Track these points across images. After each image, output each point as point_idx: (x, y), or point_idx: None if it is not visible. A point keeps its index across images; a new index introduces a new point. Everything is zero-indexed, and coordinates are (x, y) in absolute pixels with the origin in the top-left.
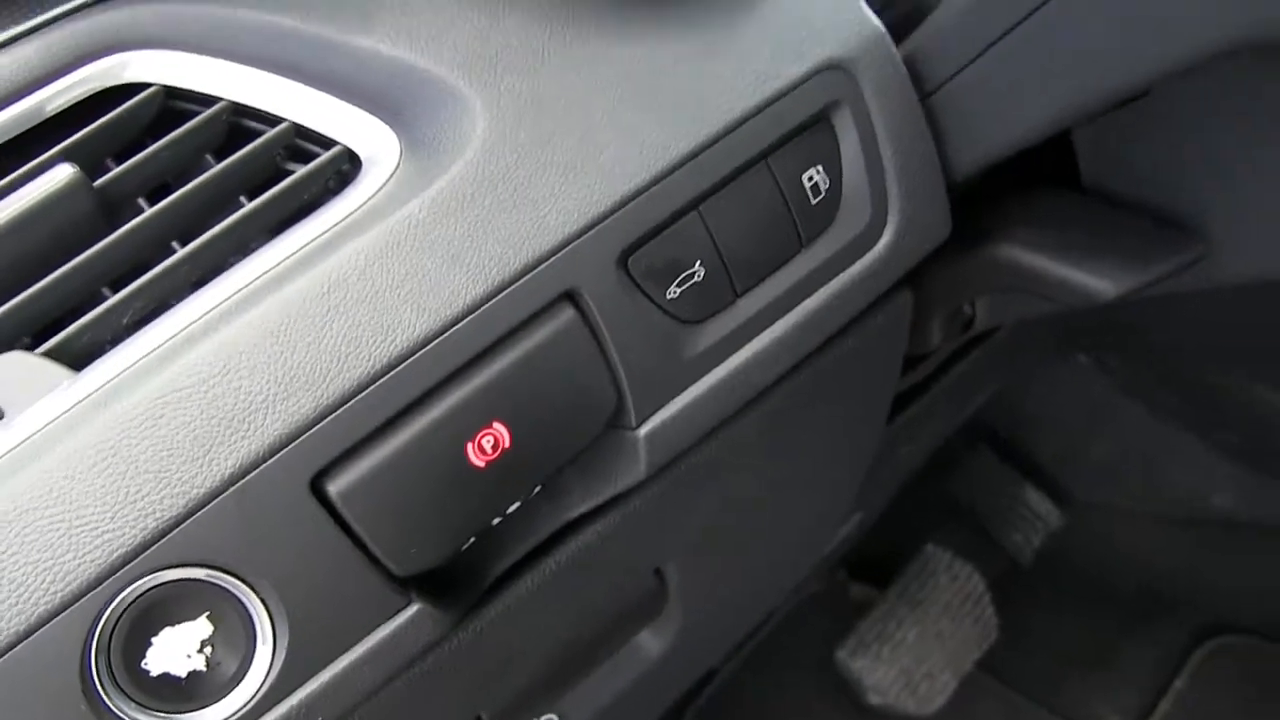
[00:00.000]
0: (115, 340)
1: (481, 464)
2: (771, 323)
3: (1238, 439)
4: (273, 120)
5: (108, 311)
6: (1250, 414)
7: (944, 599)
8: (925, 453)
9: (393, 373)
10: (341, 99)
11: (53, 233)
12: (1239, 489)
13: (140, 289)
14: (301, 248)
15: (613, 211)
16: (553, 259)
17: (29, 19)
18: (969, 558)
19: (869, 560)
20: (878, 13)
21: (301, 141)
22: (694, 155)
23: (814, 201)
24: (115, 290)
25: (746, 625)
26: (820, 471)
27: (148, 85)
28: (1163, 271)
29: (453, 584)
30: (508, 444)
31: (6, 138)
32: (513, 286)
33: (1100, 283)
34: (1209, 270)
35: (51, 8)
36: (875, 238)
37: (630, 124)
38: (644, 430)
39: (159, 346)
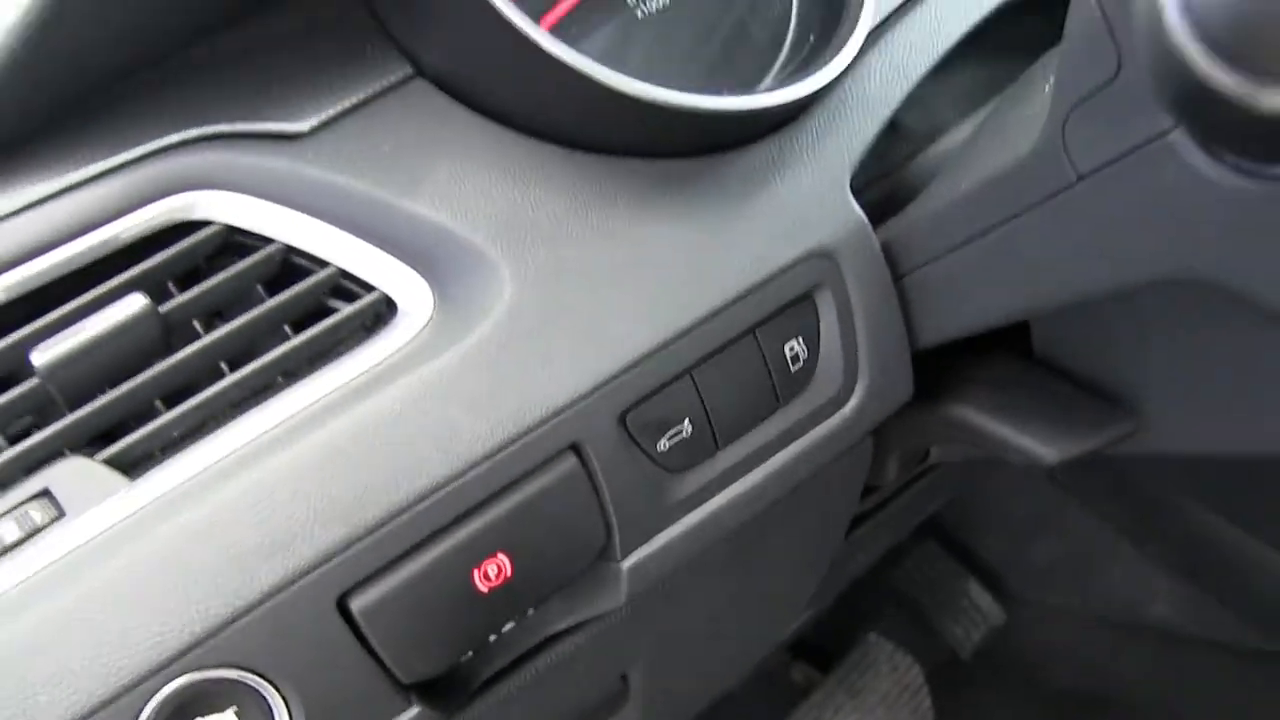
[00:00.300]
0: (165, 451)
1: (485, 589)
2: (747, 472)
3: (1174, 553)
4: (321, 263)
5: (161, 425)
6: (1186, 530)
7: (883, 689)
8: (878, 555)
9: (416, 508)
10: (385, 251)
11: (120, 352)
12: (1176, 601)
13: (193, 408)
14: (341, 385)
15: (617, 375)
16: (562, 415)
17: (117, 155)
18: (910, 649)
19: (811, 643)
20: (860, 191)
21: (345, 282)
22: (692, 328)
23: (793, 369)
24: (168, 405)
25: (699, 709)
26: (779, 584)
27: (212, 223)
28: (1099, 443)
29: (447, 688)
30: (509, 573)
31: (88, 261)
32: (526, 438)
33: (1043, 449)
34: (1142, 442)
35: (137, 145)
36: (845, 399)
37: (638, 296)
38: (627, 564)
39: (210, 465)
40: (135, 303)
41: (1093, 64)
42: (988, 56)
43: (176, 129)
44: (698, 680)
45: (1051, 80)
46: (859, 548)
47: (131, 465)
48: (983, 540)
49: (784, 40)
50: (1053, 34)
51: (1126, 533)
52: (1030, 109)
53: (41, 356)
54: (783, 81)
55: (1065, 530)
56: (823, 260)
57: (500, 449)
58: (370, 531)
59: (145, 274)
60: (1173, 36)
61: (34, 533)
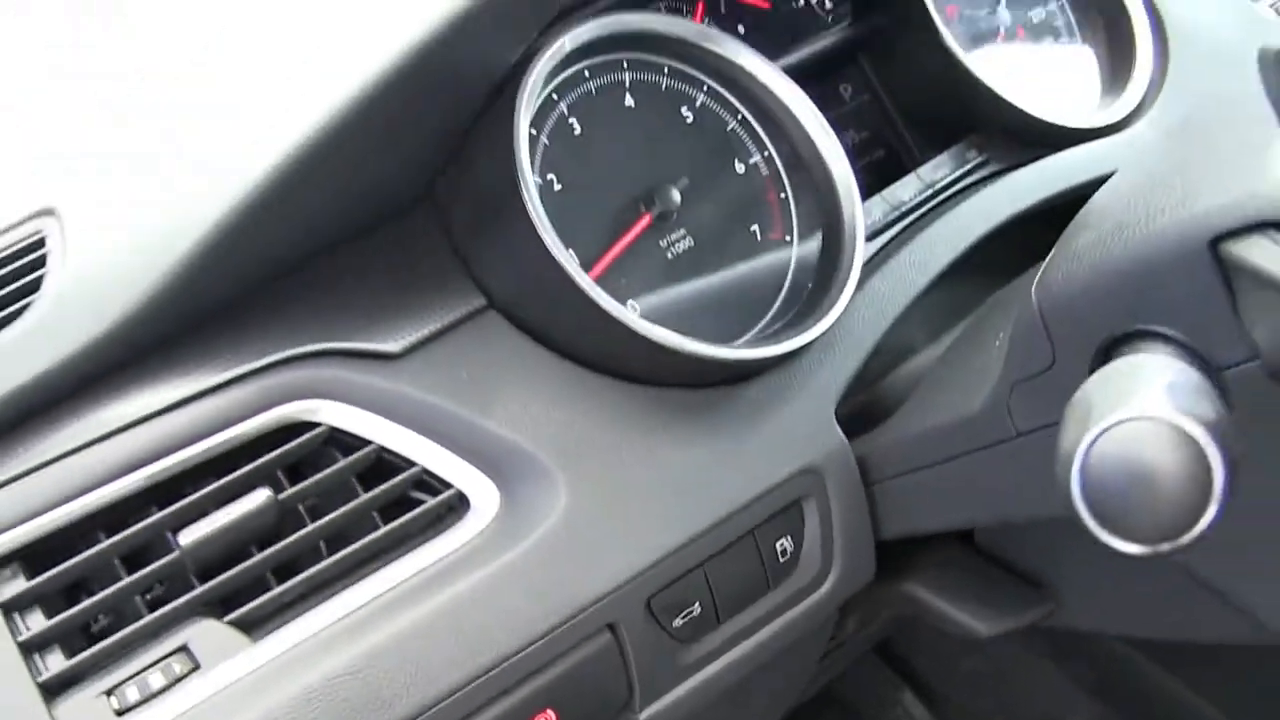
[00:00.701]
0: (279, 617)
1: None
2: (742, 641)
3: (1092, 674)
4: (408, 462)
5: (275, 595)
6: (1103, 650)
7: None
8: (834, 674)
9: (486, 675)
10: (461, 456)
11: (244, 532)
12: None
13: (300, 582)
14: (425, 569)
15: (648, 569)
16: (603, 601)
17: (247, 364)
18: None
19: None
20: (839, 407)
21: (427, 478)
22: (706, 532)
23: (781, 560)
24: (278, 578)
25: None
26: (759, 712)
27: (320, 425)
28: (1023, 622)
29: None
30: None
31: (219, 454)
32: (574, 620)
33: (978, 624)
34: (1060, 619)
35: (263, 356)
36: (821, 582)
37: (665, 505)
38: (644, 715)
39: (319, 631)
40: (261, 495)
41: (1033, 356)
42: (953, 284)
43: (294, 344)
44: None
45: (1003, 336)
46: (820, 672)
47: (252, 627)
48: (918, 655)
49: (783, 285)
50: (1004, 264)
51: (1048, 651)
52: (982, 360)
53: (188, 537)
54: (785, 324)
55: (989, 646)
56: (809, 476)
57: (553, 630)
58: (452, 693)
59: (265, 467)
60: (1072, 499)
61: (176, 682)
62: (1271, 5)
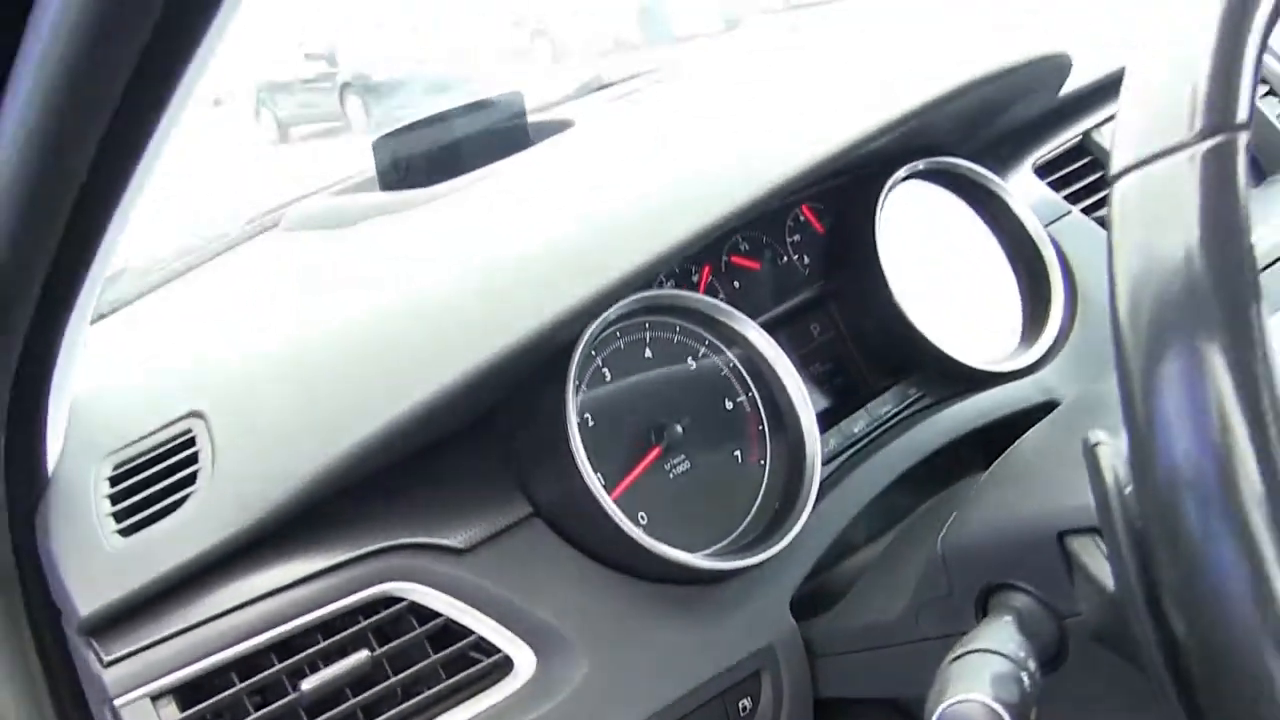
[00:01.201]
0: None
1: None
2: None
3: None
4: (469, 631)
5: None
6: None
7: None
8: None
9: None
10: (508, 629)
11: (347, 681)
12: None
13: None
14: (476, 715)
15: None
16: None
17: (347, 553)
18: None
19: None
20: (796, 590)
21: (483, 642)
22: (691, 693)
23: (742, 714)
24: (367, 717)
25: None
26: None
27: (403, 600)
28: None
29: None
30: None
31: (329, 619)
32: None
33: None
34: None
35: (360, 546)
36: None
37: (660, 673)
38: None
39: None
40: (363, 654)
41: (936, 585)
42: (893, 496)
43: (387, 538)
44: None
45: (917, 562)
46: None
47: None
48: None
49: (755, 501)
50: (936, 480)
51: None
52: (904, 574)
53: (310, 684)
54: (756, 536)
55: None
56: (767, 652)
57: None
58: None
59: (363, 631)
60: None
61: None
62: None
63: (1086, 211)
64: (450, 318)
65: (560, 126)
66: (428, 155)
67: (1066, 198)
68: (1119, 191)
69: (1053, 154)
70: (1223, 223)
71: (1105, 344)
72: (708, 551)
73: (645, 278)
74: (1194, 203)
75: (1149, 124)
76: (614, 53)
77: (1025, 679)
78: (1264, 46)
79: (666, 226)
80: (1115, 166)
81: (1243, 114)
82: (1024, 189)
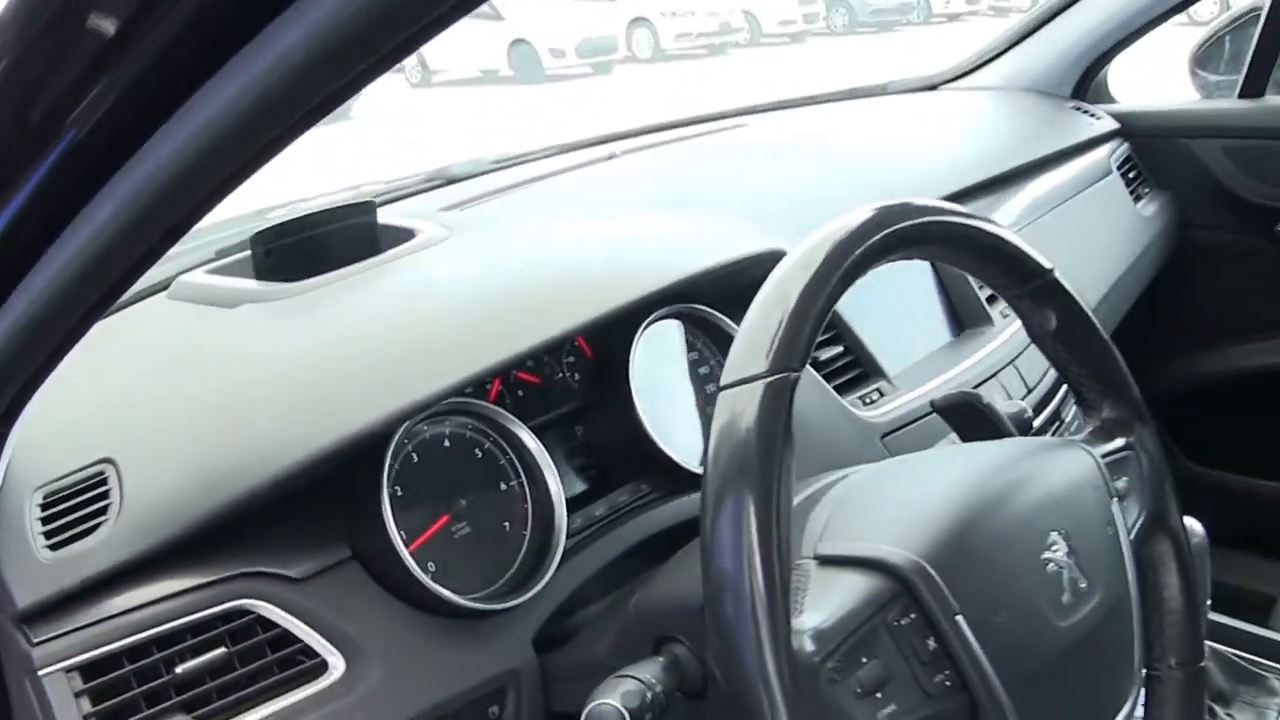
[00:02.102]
0: (220, 714)
1: None
2: None
3: None
4: (297, 639)
5: (220, 705)
6: None
7: None
8: None
9: None
10: (327, 639)
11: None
12: None
13: (236, 698)
14: (297, 700)
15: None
16: None
17: (207, 576)
18: None
19: None
20: (539, 629)
21: (308, 648)
22: (456, 698)
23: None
24: (220, 695)
25: None
26: None
27: (252, 613)
28: None
29: None
30: None
31: (197, 623)
32: None
33: None
34: None
35: (218, 571)
36: None
37: (432, 684)
38: None
39: None
40: (221, 651)
41: (629, 637)
42: (624, 566)
43: (243, 565)
44: None
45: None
46: None
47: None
48: None
49: (517, 559)
50: (655, 557)
51: None
52: (616, 624)
53: (180, 669)
54: (515, 585)
55: None
56: (513, 673)
57: None
58: None
59: (223, 633)
60: None
61: None
62: None
63: None
64: (298, 413)
65: (405, 235)
66: (293, 253)
67: None
68: (720, 399)
69: None
70: (765, 434)
71: (804, 461)
72: (476, 595)
73: (450, 394)
74: (754, 416)
75: (743, 354)
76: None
77: (650, 696)
78: (829, 309)
79: (473, 357)
80: (721, 381)
81: (797, 362)
82: None
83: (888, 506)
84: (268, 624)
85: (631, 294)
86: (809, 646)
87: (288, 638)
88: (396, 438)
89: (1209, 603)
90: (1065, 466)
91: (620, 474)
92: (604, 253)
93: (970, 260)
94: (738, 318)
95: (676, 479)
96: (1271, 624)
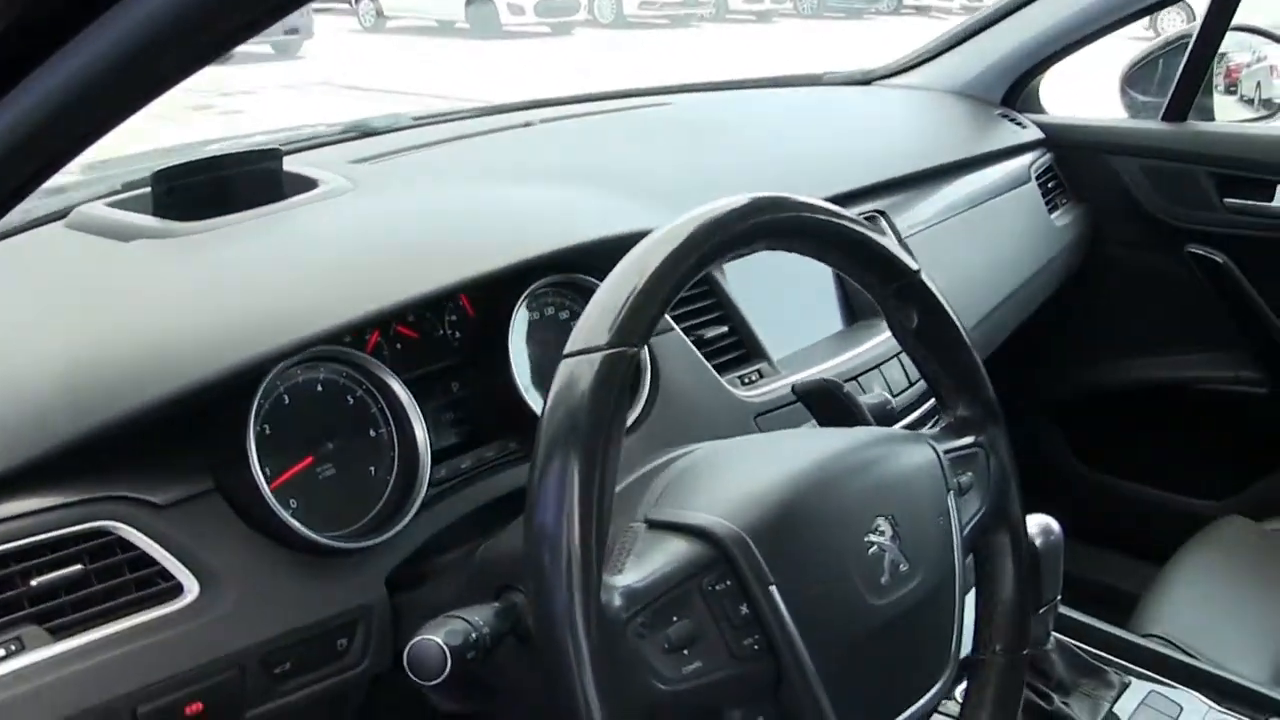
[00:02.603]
0: (75, 628)
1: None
2: (306, 688)
3: None
4: (155, 562)
5: (74, 618)
6: None
7: None
8: None
9: (161, 679)
10: (184, 564)
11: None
12: None
13: (89, 613)
14: (153, 619)
15: (265, 643)
16: (234, 654)
17: (70, 496)
18: None
19: None
20: (395, 570)
21: (165, 570)
22: (309, 627)
23: (339, 649)
24: (74, 609)
25: None
26: None
27: (112, 534)
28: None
29: None
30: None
31: (55, 539)
32: (223, 659)
33: None
34: None
35: (80, 493)
36: (360, 662)
37: (287, 604)
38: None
39: (99, 638)
40: (78, 567)
41: (475, 581)
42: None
43: (108, 489)
44: None
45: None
46: None
47: (58, 630)
48: None
49: (380, 501)
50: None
51: None
52: (467, 575)
53: (36, 581)
54: (376, 525)
55: None
56: (364, 609)
57: (207, 661)
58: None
59: (82, 550)
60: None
61: (10, 654)
62: None
63: (688, 331)
64: (174, 345)
65: (309, 184)
66: (194, 193)
67: (676, 317)
68: (561, 366)
69: None
70: (597, 403)
71: (674, 431)
72: (334, 534)
73: (324, 340)
74: (588, 385)
75: (588, 325)
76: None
77: (475, 636)
78: (678, 290)
79: (350, 305)
80: (565, 350)
81: (637, 338)
82: None
83: (723, 480)
84: (128, 545)
85: (513, 258)
86: (617, 601)
87: (146, 560)
88: (268, 378)
89: (1058, 597)
90: (905, 457)
91: (491, 431)
92: (495, 216)
93: (838, 257)
94: None
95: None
96: (1132, 621)
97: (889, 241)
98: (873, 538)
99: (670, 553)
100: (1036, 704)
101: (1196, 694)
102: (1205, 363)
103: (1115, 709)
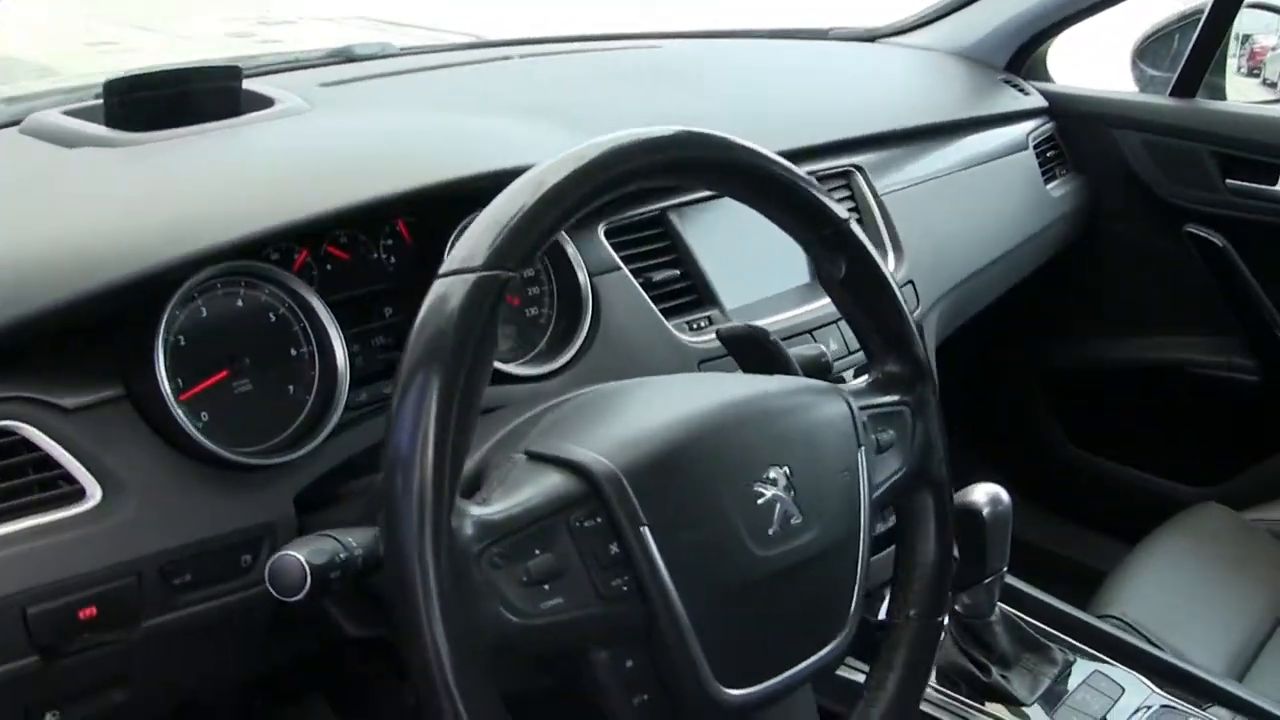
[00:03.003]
0: None
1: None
2: (201, 605)
3: None
4: (59, 465)
5: None
6: None
7: None
8: None
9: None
10: (87, 468)
11: None
12: None
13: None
14: (57, 519)
15: (166, 553)
16: (134, 561)
17: None
18: None
19: None
20: (303, 490)
21: (69, 474)
22: (214, 539)
23: (244, 566)
24: None
25: None
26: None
27: (16, 434)
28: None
29: None
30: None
31: None
32: (119, 566)
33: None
34: None
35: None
36: (260, 583)
37: (184, 525)
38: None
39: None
40: None
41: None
42: None
43: (13, 389)
44: None
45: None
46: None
47: None
48: None
49: (297, 421)
50: None
51: None
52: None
53: None
54: (291, 443)
55: None
56: (269, 525)
57: (108, 567)
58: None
59: None
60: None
61: None
62: None
63: (636, 272)
64: (91, 248)
65: (266, 103)
66: (147, 107)
67: (626, 257)
68: (434, 285)
69: (625, 221)
70: (464, 325)
71: (610, 372)
72: (245, 450)
73: (241, 248)
74: (457, 306)
75: (467, 245)
76: None
77: (342, 557)
78: (567, 219)
79: (269, 215)
80: (441, 269)
81: (514, 263)
82: (588, 244)
83: (613, 418)
84: (32, 446)
85: (440, 176)
86: (469, 530)
87: (50, 462)
88: (185, 287)
89: (1005, 568)
90: (814, 409)
91: None
92: (437, 140)
93: (762, 201)
94: (575, 229)
95: None
96: (1093, 601)
97: (818, 189)
98: (763, 487)
99: (541, 485)
100: (973, 675)
101: (1141, 676)
102: (1197, 346)
103: (1056, 686)
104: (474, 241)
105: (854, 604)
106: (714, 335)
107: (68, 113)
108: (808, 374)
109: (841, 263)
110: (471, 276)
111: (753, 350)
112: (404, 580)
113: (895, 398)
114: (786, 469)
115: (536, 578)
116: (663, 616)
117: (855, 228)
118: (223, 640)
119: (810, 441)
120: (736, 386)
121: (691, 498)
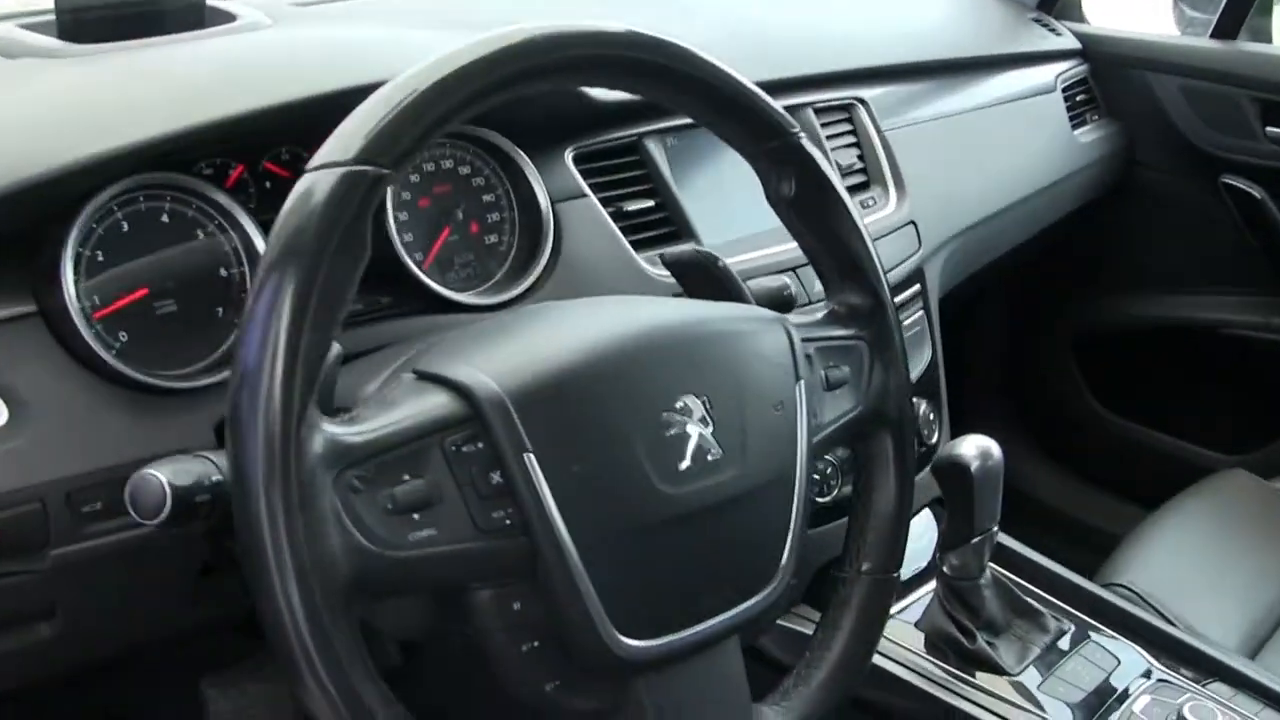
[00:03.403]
0: None
1: None
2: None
3: None
4: None
5: None
6: None
7: None
8: None
9: None
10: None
11: None
12: None
13: None
14: None
15: (74, 478)
16: (43, 485)
17: None
18: None
19: None
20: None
21: None
22: (115, 466)
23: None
24: None
25: None
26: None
27: None
28: None
29: None
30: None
31: None
32: (31, 489)
33: None
34: None
35: None
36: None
37: (91, 450)
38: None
39: None
40: None
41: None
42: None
43: None
44: None
45: None
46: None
47: None
48: None
49: (223, 344)
50: None
51: None
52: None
53: None
54: (216, 363)
55: None
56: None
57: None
58: None
59: None
60: None
61: None
62: None
63: (606, 201)
64: (8, 143)
65: (228, 18)
66: (103, 21)
67: (595, 185)
68: (300, 180)
69: (597, 147)
70: (326, 222)
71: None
72: (164, 373)
73: (154, 148)
74: (320, 201)
75: (339, 138)
76: None
77: (212, 480)
78: (456, 113)
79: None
80: (310, 164)
81: (389, 159)
82: (553, 168)
83: (514, 339)
84: None
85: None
86: (319, 448)
87: None
88: (99, 198)
89: (995, 528)
90: (747, 339)
91: (362, 284)
92: (374, 51)
93: (701, 108)
94: (522, 140)
95: (417, 296)
96: (1103, 568)
97: (763, 95)
98: (674, 417)
99: (417, 405)
100: (957, 641)
101: (1138, 648)
102: (1233, 305)
103: (1047, 655)
104: (347, 134)
105: (787, 553)
106: None
107: (25, 26)
108: (772, 308)
109: (791, 180)
110: (339, 170)
111: (699, 276)
112: (247, 500)
113: (850, 331)
114: (705, 400)
115: (404, 505)
116: (548, 553)
117: (805, 141)
118: (150, 578)
119: (735, 372)
120: (660, 310)
121: (586, 425)
